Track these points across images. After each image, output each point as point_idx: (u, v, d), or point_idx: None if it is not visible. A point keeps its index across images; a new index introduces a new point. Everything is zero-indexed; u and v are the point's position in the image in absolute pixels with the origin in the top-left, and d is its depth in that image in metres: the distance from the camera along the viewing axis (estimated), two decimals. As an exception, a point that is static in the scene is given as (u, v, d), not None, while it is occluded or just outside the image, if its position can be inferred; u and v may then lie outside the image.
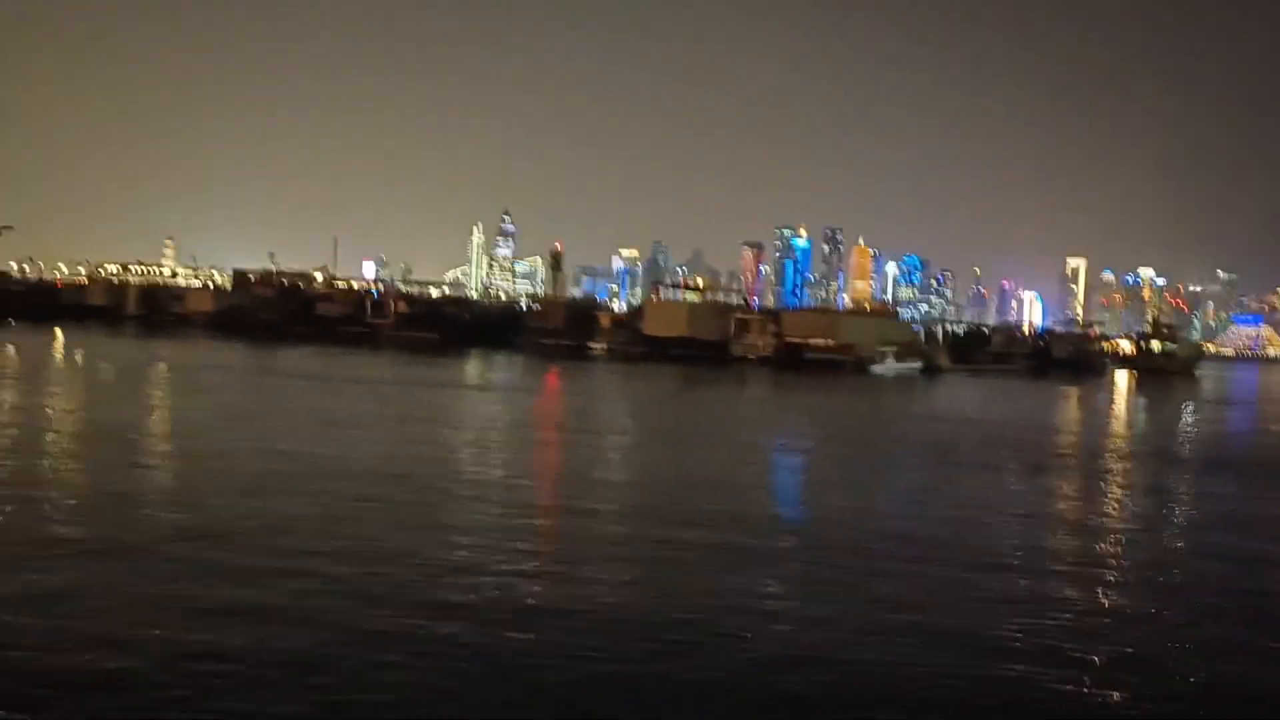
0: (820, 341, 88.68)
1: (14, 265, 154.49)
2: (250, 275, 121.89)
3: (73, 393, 36.40)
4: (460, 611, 11.90)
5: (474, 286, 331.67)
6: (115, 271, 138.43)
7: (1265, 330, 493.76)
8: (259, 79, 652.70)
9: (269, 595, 12.15)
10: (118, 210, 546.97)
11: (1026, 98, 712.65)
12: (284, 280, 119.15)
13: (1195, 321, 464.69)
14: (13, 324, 72.82)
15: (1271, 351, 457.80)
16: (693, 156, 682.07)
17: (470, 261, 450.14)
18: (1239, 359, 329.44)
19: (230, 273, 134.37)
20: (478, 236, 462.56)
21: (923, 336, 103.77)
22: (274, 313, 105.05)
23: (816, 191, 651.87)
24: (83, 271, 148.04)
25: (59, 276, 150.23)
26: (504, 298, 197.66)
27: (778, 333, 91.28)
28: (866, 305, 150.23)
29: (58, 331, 74.44)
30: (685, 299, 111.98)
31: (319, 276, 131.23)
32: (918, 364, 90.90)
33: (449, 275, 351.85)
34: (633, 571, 14.38)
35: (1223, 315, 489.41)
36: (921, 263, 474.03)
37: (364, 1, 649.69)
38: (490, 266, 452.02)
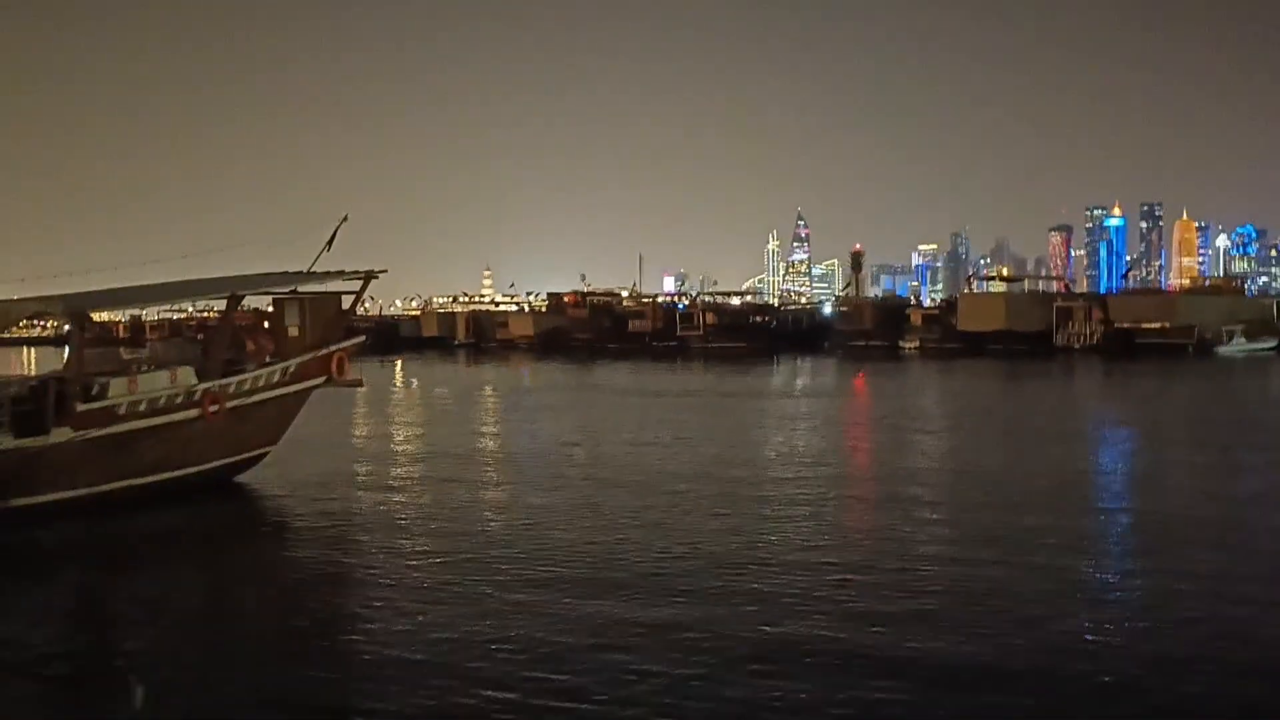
0: (1154, 324, 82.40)
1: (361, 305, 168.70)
2: (564, 297, 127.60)
3: (433, 418, 39.11)
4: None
5: (771, 293, 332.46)
6: (444, 303, 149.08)
7: None
8: (553, 111, 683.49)
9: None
10: (441, 246, 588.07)
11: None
12: (596, 300, 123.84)
13: None
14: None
15: None
16: (991, 141, 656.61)
17: (767, 269, 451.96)
18: None
19: (545, 296, 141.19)
20: (773, 243, 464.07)
21: (1276, 312, 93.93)
22: (589, 331, 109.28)
23: (1128, 166, 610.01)
24: (415, 306, 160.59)
25: (397, 313, 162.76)
26: (804, 302, 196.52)
27: (1104, 319, 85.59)
28: (1207, 281, 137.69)
29: (398, 362, 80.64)
30: (997, 289, 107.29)
31: (624, 293, 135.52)
32: (1272, 343, 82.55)
33: (747, 284, 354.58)
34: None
35: None
36: (1257, 232, 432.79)
37: (653, 20, 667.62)
38: (787, 272, 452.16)
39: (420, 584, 13.75)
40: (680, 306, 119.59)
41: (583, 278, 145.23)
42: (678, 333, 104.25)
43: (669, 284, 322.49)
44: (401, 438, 31.32)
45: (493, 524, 17.88)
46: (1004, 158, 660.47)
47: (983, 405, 43.58)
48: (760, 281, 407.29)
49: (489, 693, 9.80)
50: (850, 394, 50.52)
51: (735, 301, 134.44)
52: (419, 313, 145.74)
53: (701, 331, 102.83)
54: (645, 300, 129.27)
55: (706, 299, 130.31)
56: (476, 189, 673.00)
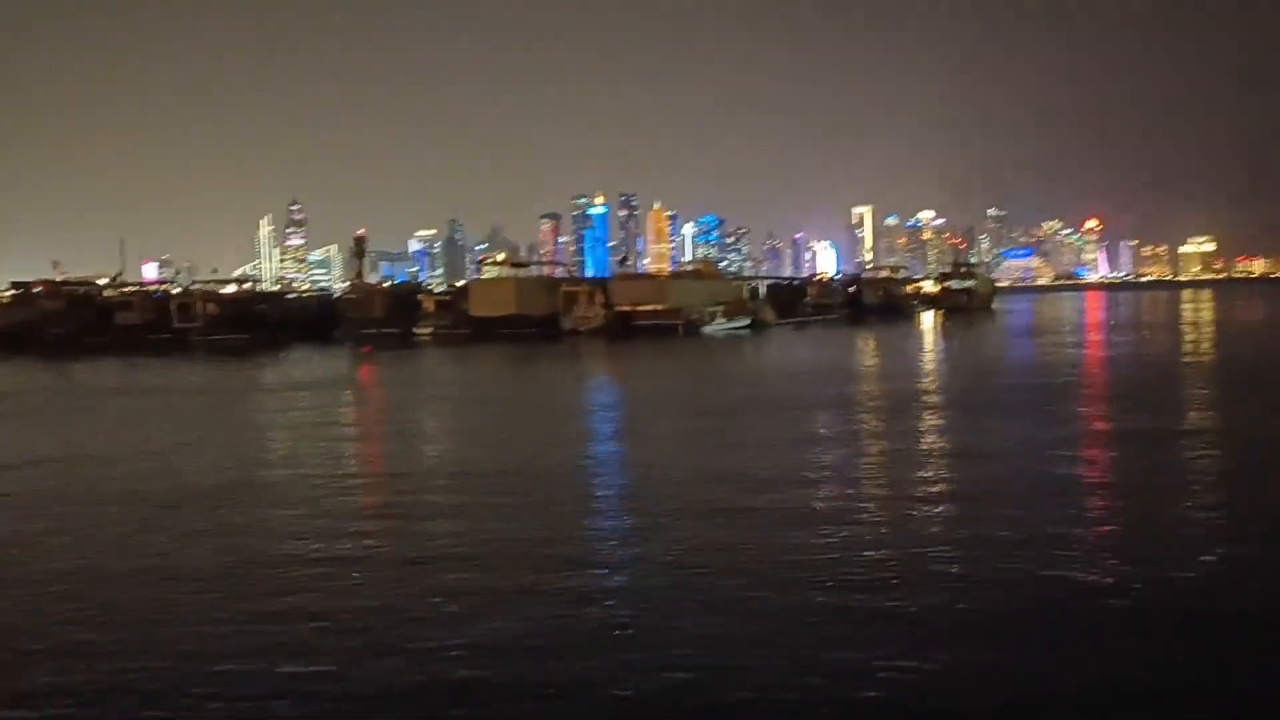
0: (650, 307, 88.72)
1: None
2: (32, 287, 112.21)
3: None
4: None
5: (267, 280, 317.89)
6: None
7: (1035, 262, 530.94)
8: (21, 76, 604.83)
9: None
10: None
11: (801, 53, 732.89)
12: (73, 290, 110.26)
13: (973, 259, 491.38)
14: None
15: (1042, 281, 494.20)
16: (484, 132, 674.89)
17: (260, 254, 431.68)
18: (1013, 291, 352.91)
19: (7, 286, 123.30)
20: (266, 228, 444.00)
21: (747, 294, 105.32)
22: (67, 325, 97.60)
23: (609, 160, 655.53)
24: None
25: None
26: (306, 289, 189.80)
27: (607, 302, 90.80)
28: (680, 266, 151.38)
29: None
30: (500, 274, 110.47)
31: (103, 282, 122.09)
32: (746, 321, 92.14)
33: (239, 271, 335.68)
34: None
35: (996, 251, 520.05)
36: (718, 221, 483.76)
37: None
38: (283, 258, 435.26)
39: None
40: (160, 295, 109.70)
41: (55, 265, 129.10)
42: (174, 325, 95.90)
43: (151, 271, 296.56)
44: None
45: None
46: (497, 146, 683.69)
47: (491, 390, 44.24)
48: (255, 268, 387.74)
49: None
50: (358, 385, 48.92)
51: (230, 289, 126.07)
52: None
53: (201, 323, 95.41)
54: (132, 290, 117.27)
55: (199, 287, 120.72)
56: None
